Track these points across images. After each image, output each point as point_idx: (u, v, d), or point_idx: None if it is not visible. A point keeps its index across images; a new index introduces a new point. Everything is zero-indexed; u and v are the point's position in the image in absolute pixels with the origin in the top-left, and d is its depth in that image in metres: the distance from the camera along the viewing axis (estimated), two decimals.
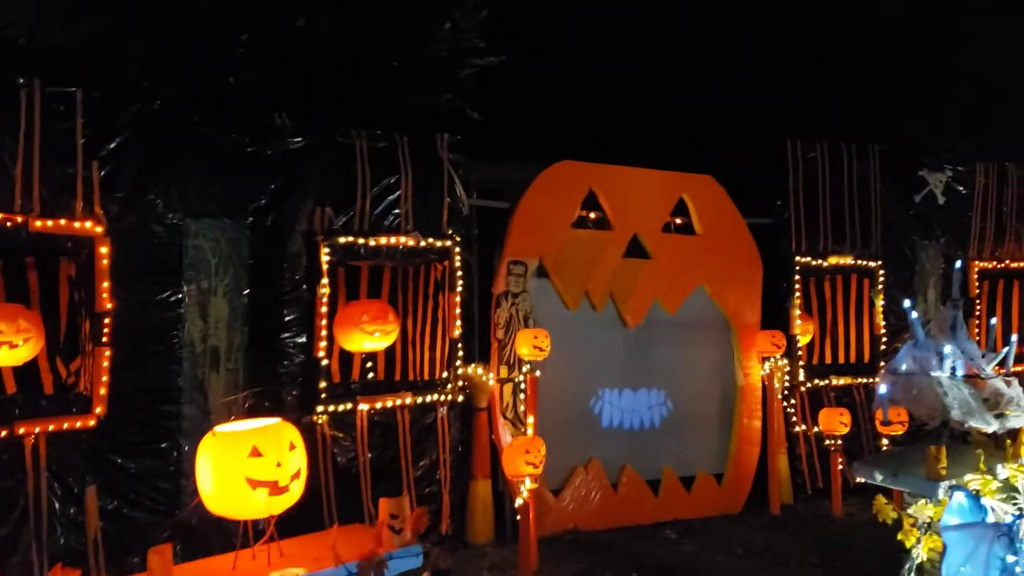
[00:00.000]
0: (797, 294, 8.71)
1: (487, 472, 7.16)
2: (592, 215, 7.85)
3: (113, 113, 5.79)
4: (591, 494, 7.59)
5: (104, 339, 5.58)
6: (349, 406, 6.63)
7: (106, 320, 5.59)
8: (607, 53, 10.75)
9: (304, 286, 6.55)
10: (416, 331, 7.09)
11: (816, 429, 8.44)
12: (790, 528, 7.74)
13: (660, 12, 11.02)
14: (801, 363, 8.71)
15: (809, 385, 8.75)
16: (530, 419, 6.95)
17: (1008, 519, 3.84)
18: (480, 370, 7.17)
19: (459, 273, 7.16)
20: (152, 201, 5.96)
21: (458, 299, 7.13)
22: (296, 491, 4.93)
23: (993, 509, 3.81)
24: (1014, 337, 4.38)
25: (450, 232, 7.15)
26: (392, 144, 6.94)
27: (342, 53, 7.01)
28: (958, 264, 4.82)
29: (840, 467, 8.18)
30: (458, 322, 7.12)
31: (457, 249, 7.17)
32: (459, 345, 7.13)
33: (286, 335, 6.52)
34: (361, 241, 6.71)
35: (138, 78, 5.93)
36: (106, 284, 5.60)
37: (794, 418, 8.61)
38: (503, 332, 7.28)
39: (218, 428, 4.99)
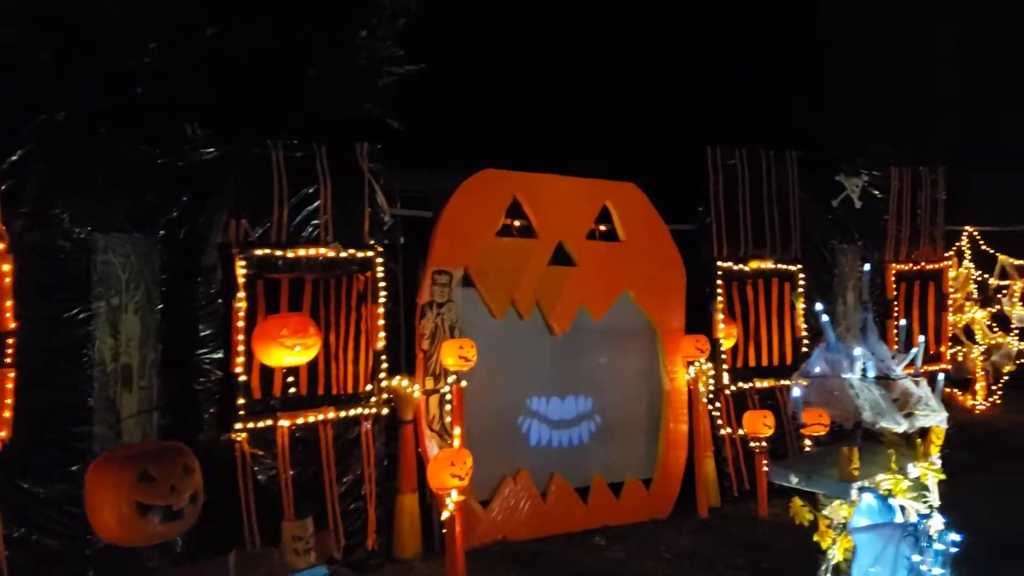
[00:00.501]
0: (720, 298, 8.82)
1: (414, 486, 7.07)
2: (517, 223, 7.83)
3: (15, 125, 5.57)
4: (520, 504, 7.55)
5: (7, 360, 5.35)
6: (269, 423, 6.48)
7: (9, 340, 5.36)
8: (531, 61, 10.79)
9: (220, 300, 6.40)
10: (339, 344, 6.95)
11: (741, 432, 8.54)
12: (717, 531, 7.82)
13: (582, 22, 11.12)
14: (725, 367, 8.82)
15: (733, 388, 8.86)
16: (457, 430, 6.89)
17: (926, 517, 3.92)
18: (405, 382, 7.08)
19: (382, 284, 7.06)
20: (58, 216, 5.75)
21: (382, 310, 7.03)
22: (192, 516, 4.78)
23: (904, 508, 3.88)
24: (922, 338, 4.48)
25: (372, 242, 7.05)
26: (310, 154, 6.82)
27: (257, 62, 6.88)
28: (866, 267, 4.93)
29: (765, 469, 8.29)
30: (382, 334, 7.03)
31: (380, 259, 7.07)
32: (383, 357, 7.03)
33: (202, 351, 6.36)
34: (279, 253, 6.58)
35: (42, 88, 5.72)
36: (9, 303, 5.38)
37: (719, 421, 8.71)
38: (428, 343, 7.20)
39: (108, 452, 4.84)
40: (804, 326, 9.29)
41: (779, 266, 9.24)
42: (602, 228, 8.31)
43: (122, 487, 4.55)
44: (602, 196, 8.25)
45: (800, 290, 9.30)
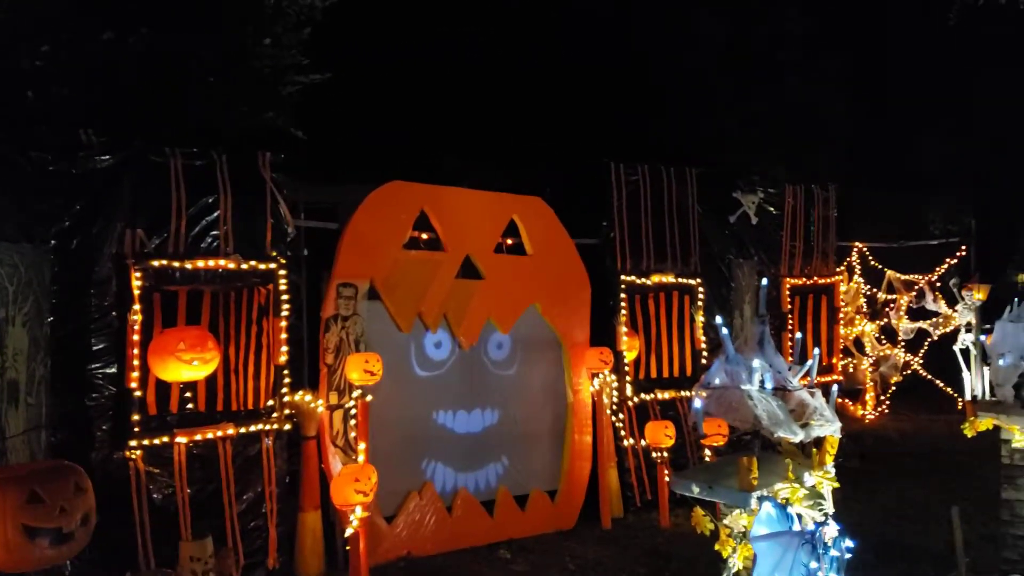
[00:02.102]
0: (623, 311, 8.96)
1: (316, 503, 6.93)
2: (424, 236, 7.80)
3: None
4: (425, 519, 7.49)
5: None
6: (166, 439, 6.27)
7: None
8: (439, 75, 10.82)
9: (114, 313, 6.17)
10: (239, 358, 6.77)
11: (643, 442, 8.68)
12: (620, 541, 7.91)
13: (490, 38, 11.20)
14: (628, 378, 8.95)
15: (636, 400, 9.01)
16: (361, 446, 6.78)
17: (822, 524, 4.05)
18: (308, 397, 6.94)
19: (285, 297, 6.92)
20: None
21: (284, 324, 6.89)
22: (83, 538, 4.59)
23: (801, 517, 4.00)
24: (816, 351, 4.64)
25: (274, 254, 6.91)
26: (210, 162, 6.64)
27: (157, 68, 6.69)
28: (764, 282, 5.09)
29: (667, 479, 8.44)
30: (284, 347, 6.88)
31: (283, 272, 6.93)
32: (285, 372, 6.88)
33: (95, 366, 6.12)
34: (177, 264, 6.39)
35: None
36: None
37: (623, 432, 8.83)
38: (333, 357, 7.09)
39: None
40: (703, 338, 9.52)
41: (680, 280, 9.45)
42: (509, 242, 8.35)
43: (8, 509, 4.32)
44: (509, 210, 8.29)
45: (700, 303, 9.53)
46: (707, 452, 8.45)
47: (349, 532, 6.47)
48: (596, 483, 8.51)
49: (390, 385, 7.14)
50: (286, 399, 6.88)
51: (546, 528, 8.13)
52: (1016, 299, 6.59)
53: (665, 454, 8.50)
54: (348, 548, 6.57)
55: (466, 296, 7.85)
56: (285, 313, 6.90)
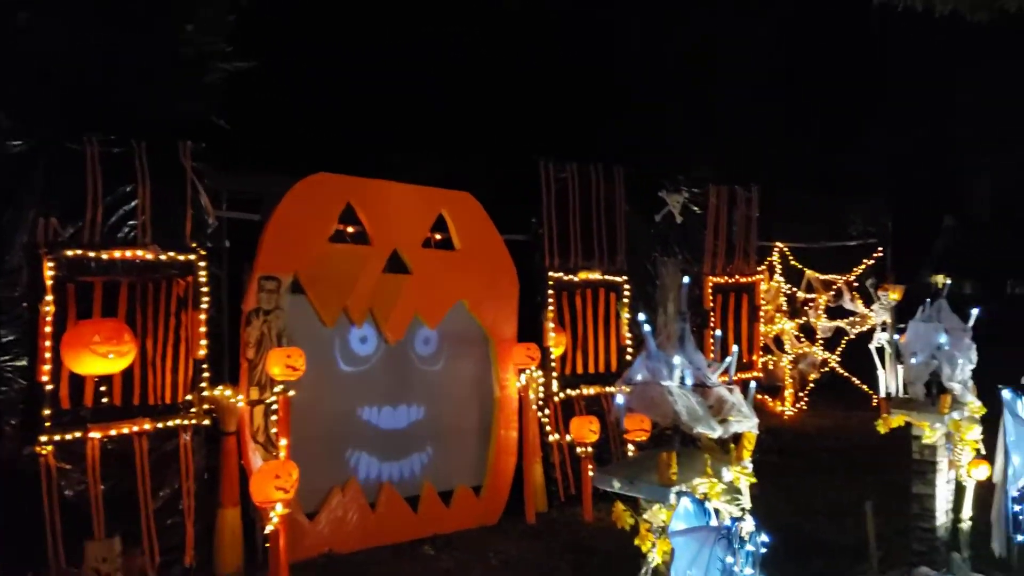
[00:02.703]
0: (551, 308, 9.00)
1: (236, 500, 6.79)
2: (351, 229, 7.70)
3: None
4: (348, 515, 7.41)
5: None
6: (79, 434, 6.10)
7: None
8: (369, 66, 10.69)
9: (25, 304, 6.00)
10: (156, 352, 6.60)
11: (568, 438, 8.74)
12: (544, 536, 7.95)
13: (420, 30, 11.12)
14: (555, 374, 9.00)
15: (562, 395, 9.06)
16: (283, 442, 6.67)
17: (738, 519, 4.12)
18: (228, 392, 6.81)
19: (205, 289, 6.79)
20: None
21: (204, 317, 6.76)
22: None
23: (718, 511, 4.07)
24: (735, 348, 4.73)
25: (194, 245, 6.76)
26: (128, 150, 6.47)
27: (74, 51, 6.47)
28: (686, 280, 5.18)
29: (591, 474, 8.51)
30: (204, 341, 6.75)
31: (203, 263, 6.80)
32: (205, 366, 6.75)
33: (4, 358, 5.99)
34: (92, 254, 6.21)
35: None
36: None
37: (548, 428, 8.87)
38: (254, 351, 6.95)
39: None
40: (628, 335, 9.63)
41: (606, 277, 9.54)
42: (438, 237, 8.31)
43: None
44: (438, 204, 8.24)
45: (625, 300, 9.64)
46: (630, 447, 8.54)
47: (269, 529, 6.36)
48: (521, 478, 8.53)
49: (313, 380, 7.04)
50: (205, 394, 6.75)
51: (471, 523, 8.12)
52: (928, 300, 6.80)
53: (589, 449, 8.57)
54: (268, 545, 6.46)
55: (393, 291, 7.78)
56: (205, 306, 6.78)
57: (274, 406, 6.87)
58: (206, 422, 6.77)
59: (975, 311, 6.71)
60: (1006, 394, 6.40)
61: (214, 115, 7.33)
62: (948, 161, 18.33)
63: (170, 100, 7.13)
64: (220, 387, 6.82)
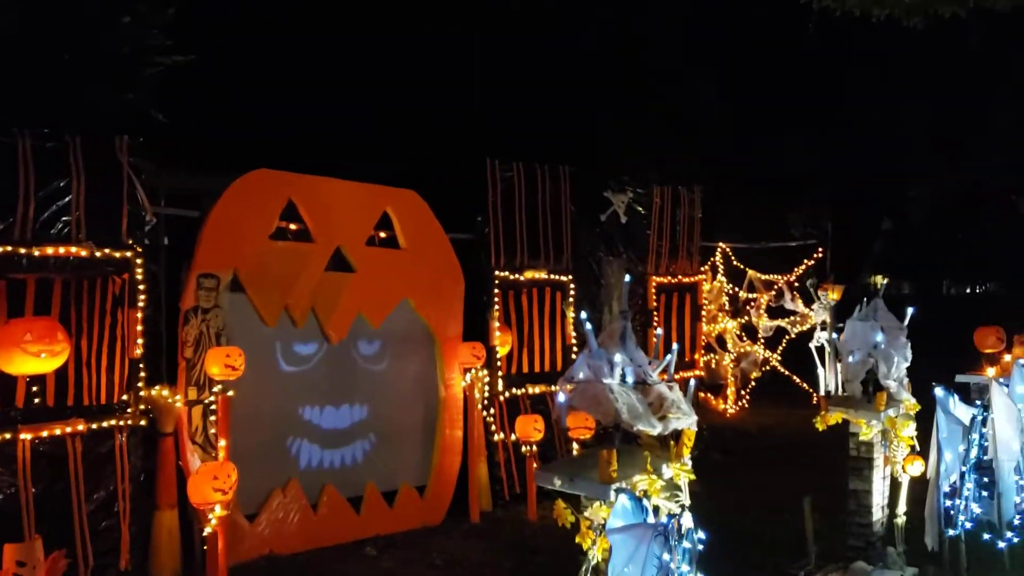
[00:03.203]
0: (496, 307, 8.99)
1: (173, 501, 6.67)
2: (292, 227, 7.60)
3: None
4: (289, 516, 7.31)
5: None
6: (8, 436, 5.92)
7: None
8: (312, 62, 10.57)
9: None
10: (91, 351, 6.44)
11: (513, 436, 8.74)
12: (488, 535, 7.94)
13: (365, 25, 11.03)
14: (500, 373, 9.00)
15: (507, 394, 9.06)
16: (222, 443, 6.56)
17: (675, 516, 4.15)
18: (166, 392, 6.67)
19: (142, 287, 6.64)
20: None
21: (140, 315, 6.61)
22: None
23: (658, 509, 4.09)
24: (675, 346, 4.76)
25: (131, 242, 6.61)
26: (62, 144, 6.30)
27: (3, 43, 6.28)
28: (627, 278, 5.21)
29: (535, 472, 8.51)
30: (140, 340, 6.60)
31: (139, 261, 6.65)
32: (141, 365, 6.61)
33: None
34: (24, 251, 6.05)
35: None
36: None
37: (493, 427, 8.86)
38: (192, 350, 6.82)
39: None
40: (574, 334, 9.65)
41: (552, 276, 9.55)
42: (382, 235, 8.25)
43: None
44: (382, 202, 8.17)
45: (571, 300, 9.67)
46: (574, 445, 8.56)
47: (207, 531, 6.24)
48: (466, 478, 8.50)
49: (254, 380, 6.94)
50: (142, 394, 6.61)
51: (414, 524, 8.07)
52: (865, 299, 6.93)
53: (534, 448, 8.58)
54: (206, 548, 6.35)
55: (336, 289, 7.70)
56: (141, 304, 6.65)
57: (213, 406, 6.75)
58: (142, 423, 6.63)
59: (910, 310, 6.86)
60: (939, 392, 6.55)
61: (152, 109, 7.18)
62: (887, 165, 18.73)
63: (106, 94, 6.97)
64: (157, 387, 6.69)
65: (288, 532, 7.28)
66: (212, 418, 6.78)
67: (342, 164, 8.48)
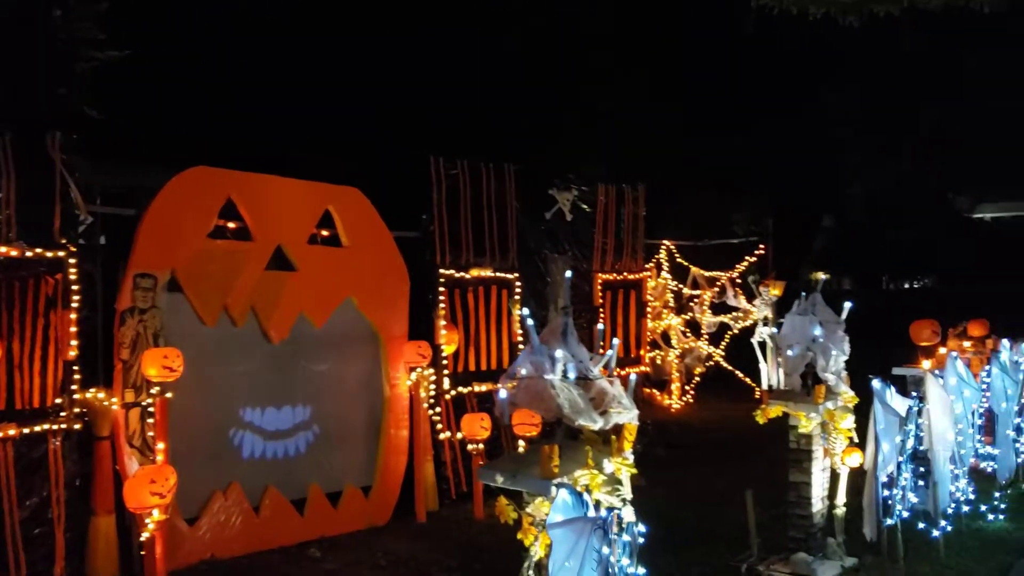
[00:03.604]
0: (442, 305, 8.96)
1: (110, 506, 6.52)
2: (232, 225, 7.48)
3: None
4: (231, 519, 7.18)
5: None
6: None
7: None
8: (253, 57, 10.43)
9: None
10: (23, 353, 6.25)
11: (460, 435, 8.71)
12: (435, 534, 7.90)
13: (309, 22, 10.91)
14: (446, 372, 8.96)
15: (454, 393, 9.03)
16: (160, 445, 6.42)
17: (615, 510, 4.17)
18: (102, 394, 6.52)
19: (76, 287, 6.48)
20: None
21: (74, 316, 6.44)
22: None
23: (599, 503, 4.11)
24: (616, 341, 4.78)
25: (64, 241, 6.44)
26: None
27: None
28: (568, 274, 5.22)
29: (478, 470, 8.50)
30: (74, 342, 6.44)
31: (73, 260, 6.49)
32: (76, 368, 6.44)
33: None
34: None
35: None
36: None
37: (439, 425, 8.83)
38: (129, 352, 6.67)
39: None
40: (520, 331, 9.66)
41: (498, 274, 9.55)
42: (324, 233, 8.16)
43: None
44: (324, 200, 8.08)
45: (517, 297, 9.67)
46: (521, 443, 8.57)
47: (145, 536, 6.11)
48: (412, 477, 8.45)
49: (193, 381, 6.81)
50: (76, 397, 6.44)
51: (360, 525, 8.01)
52: (803, 293, 7.05)
53: (481, 446, 8.55)
54: (144, 553, 6.21)
55: (277, 288, 7.59)
56: (76, 305, 6.48)
57: (151, 409, 6.61)
58: (77, 426, 6.47)
59: (848, 305, 6.99)
60: (876, 384, 6.68)
61: (86, 105, 6.99)
62: (826, 163, 19.11)
63: (38, 89, 6.76)
64: (93, 390, 6.54)
65: (230, 535, 7.16)
66: (150, 421, 6.63)
67: (283, 161, 8.38)
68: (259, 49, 10.43)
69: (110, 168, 7.24)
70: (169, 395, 6.52)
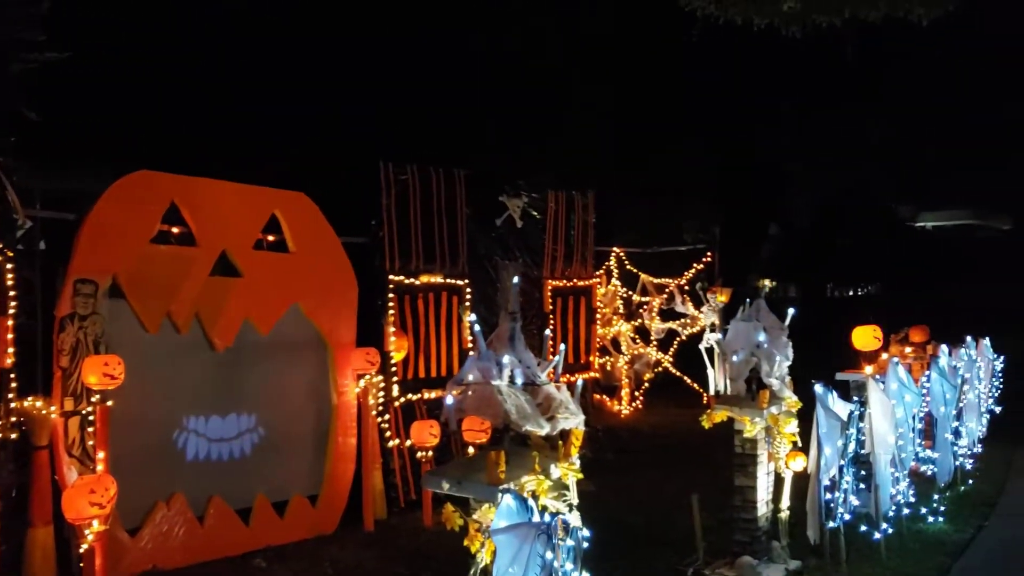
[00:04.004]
0: (391, 311, 8.90)
1: (48, 517, 6.34)
2: (175, 230, 7.36)
3: None
4: (174, 530, 7.05)
5: None
6: None
7: None
8: (199, 61, 10.28)
9: None
10: None
11: (409, 442, 8.66)
12: (382, 543, 7.84)
13: (256, 24, 10.79)
14: (396, 379, 8.91)
15: (403, 400, 8.98)
16: (100, 455, 6.28)
17: (559, 515, 4.17)
18: (40, 403, 6.35)
19: (13, 293, 6.30)
20: None
21: (11, 323, 6.26)
22: None
23: (544, 508, 4.11)
24: (563, 347, 4.80)
25: (1, 246, 6.27)
26: None
27: None
28: (516, 280, 5.22)
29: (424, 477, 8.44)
30: (11, 349, 6.25)
31: (11, 266, 6.31)
32: (12, 375, 6.26)
33: None
34: None
35: None
36: None
37: (388, 433, 8.77)
38: (68, 359, 6.51)
39: None
40: (471, 337, 9.64)
41: (448, 280, 9.52)
42: (271, 238, 8.06)
43: None
44: (270, 205, 7.99)
45: (467, 304, 9.65)
46: (470, 449, 8.55)
47: (84, 548, 5.97)
48: (360, 486, 8.37)
49: (135, 389, 6.68)
50: (13, 405, 6.26)
51: (307, 534, 7.91)
52: (748, 300, 7.15)
53: (430, 453, 8.52)
54: (83, 565, 6.06)
55: (221, 295, 7.48)
56: (13, 311, 6.29)
57: (91, 417, 6.46)
58: (14, 436, 6.28)
59: (791, 311, 7.11)
60: (818, 389, 6.79)
61: (24, 108, 6.81)
62: (773, 172, 19.43)
63: None
64: (30, 398, 6.36)
65: (173, 546, 7.03)
66: (90, 430, 6.48)
67: (229, 166, 8.26)
68: (205, 51, 10.28)
69: (50, 171, 7.04)
70: (110, 403, 6.39)
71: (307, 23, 11.24)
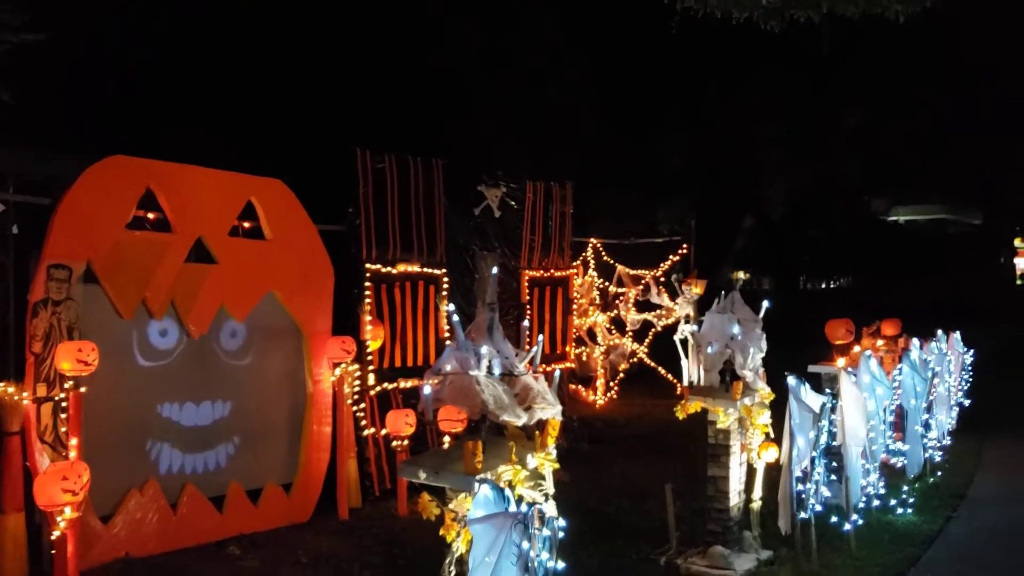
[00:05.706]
0: (368, 300, 8.88)
1: (19, 504, 6.28)
2: (151, 216, 7.30)
3: None
4: (147, 517, 7.01)
5: None
6: None
7: None
8: (175, 45, 10.19)
9: None
10: None
11: (384, 431, 8.66)
12: (357, 531, 7.84)
13: (234, 9, 10.70)
14: (372, 368, 8.89)
15: (379, 389, 8.97)
16: (73, 441, 6.24)
17: (536, 505, 4.20)
18: (12, 388, 6.28)
19: None
20: None
21: None
22: None
23: (521, 498, 4.14)
24: (541, 337, 4.82)
25: None
26: None
27: None
28: (494, 271, 5.23)
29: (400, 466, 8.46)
30: None
31: None
32: None
33: None
34: None
35: None
36: None
37: (364, 422, 8.76)
38: (41, 345, 6.45)
39: None
40: (447, 327, 9.64)
41: (425, 270, 9.51)
42: (246, 225, 8.01)
43: None
44: (247, 191, 7.93)
45: (444, 293, 9.65)
46: (447, 439, 8.56)
47: (56, 535, 5.93)
48: (334, 474, 8.36)
49: (109, 376, 6.64)
50: None
51: (281, 522, 7.90)
52: (723, 292, 7.20)
53: (406, 442, 8.53)
54: (55, 552, 6.02)
55: (197, 281, 7.43)
56: None
57: (64, 404, 6.41)
58: None
59: (765, 304, 7.17)
60: (791, 381, 6.86)
61: None
62: (748, 165, 19.55)
63: None
64: (3, 383, 6.29)
65: (146, 533, 7.00)
66: (63, 416, 6.43)
67: (205, 152, 8.21)
68: (183, 37, 10.19)
69: (24, 155, 6.96)
70: (83, 389, 6.34)
71: (285, 9, 11.15)
